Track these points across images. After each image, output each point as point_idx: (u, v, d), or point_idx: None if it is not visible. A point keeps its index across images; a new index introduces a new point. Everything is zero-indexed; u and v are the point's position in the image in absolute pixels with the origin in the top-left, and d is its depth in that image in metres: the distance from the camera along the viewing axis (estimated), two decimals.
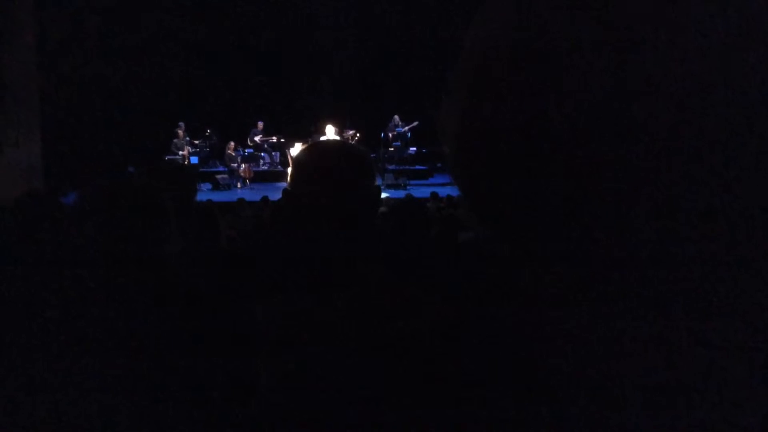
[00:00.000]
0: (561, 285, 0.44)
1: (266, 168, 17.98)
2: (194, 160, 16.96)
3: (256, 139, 17.98)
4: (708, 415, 0.38)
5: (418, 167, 17.64)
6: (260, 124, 18.13)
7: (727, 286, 0.38)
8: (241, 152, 17.46)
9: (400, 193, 13.16)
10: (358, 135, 16.96)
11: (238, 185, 16.77)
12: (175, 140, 17.05)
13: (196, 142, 17.65)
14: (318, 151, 1.33)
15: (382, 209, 6.63)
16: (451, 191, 10.43)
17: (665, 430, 0.39)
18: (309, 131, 16.86)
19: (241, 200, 11.52)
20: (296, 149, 15.54)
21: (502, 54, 0.42)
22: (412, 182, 16.31)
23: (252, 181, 17.21)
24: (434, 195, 11.75)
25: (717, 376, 0.38)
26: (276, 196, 10.19)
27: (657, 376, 0.39)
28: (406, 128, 17.43)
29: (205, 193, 14.46)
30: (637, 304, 0.40)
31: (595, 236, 0.40)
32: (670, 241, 0.38)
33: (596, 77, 0.38)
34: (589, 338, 0.42)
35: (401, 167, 17.04)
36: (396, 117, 17.55)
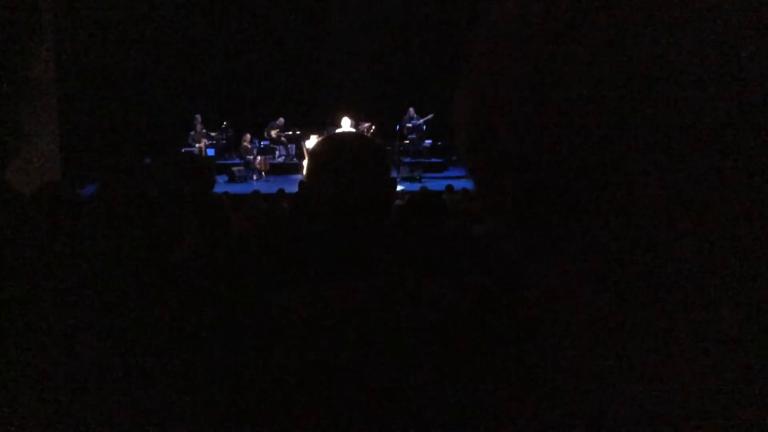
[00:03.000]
0: (574, 277, 0.44)
1: (282, 160, 18.02)
2: (210, 152, 17.04)
3: (273, 133, 18.02)
4: (709, 411, 0.38)
5: (433, 160, 17.60)
6: (281, 120, 18.14)
7: (729, 281, 0.38)
8: (257, 144, 17.50)
9: (415, 186, 13.15)
10: (373, 127, 16.95)
11: (254, 177, 16.82)
12: (192, 132, 17.15)
13: (213, 134, 17.73)
14: (334, 143, 1.34)
15: (398, 202, 6.63)
16: (466, 184, 10.41)
17: (668, 426, 0.39)
18: (324, 123, 16.87)
19: (256, 192, 11.56)
20: (312, 141, 15.57)
21: (514, 47, 0.43)
22: (427, 175, 16.27)
23: (268, 173, 17.25)
24: (449, 188, 11.72)
25: (717, 372, 0.38)
26: (292, 188, 10.23)
27: (668, 371, 0.39)
28: (421, 121, 17.39)
29: (221, 186, 14.54)
30: (636, 311, 0.40)
31: (609, 229, 0.40)
32: (677, 233, 0.38)
33: (604, 70, 0.38)
34: (601, 330, 0.42)
35: (416, 160, 17.01)
36: (411, 109, 17.51)
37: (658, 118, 0.37)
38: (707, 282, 0.38)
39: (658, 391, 0.39)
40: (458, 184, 11.68)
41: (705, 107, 0.36)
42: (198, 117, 17.33)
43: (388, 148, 15.98)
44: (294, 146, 18.01)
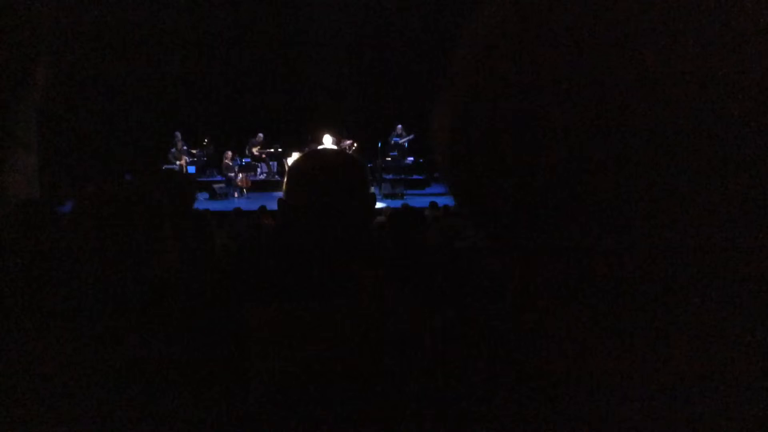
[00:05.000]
0: (555, 291, 0.44)
1: (263, 177, 17.98)
2: (191, 169, 16.97)
3: (254, 150, 17.99)
4: (708, 412, 0.38)
5: (415, 177, 17.66)
6: (260, 136, 18.13)
7: (727, 281, 0.38)
8: (239, 161, 17.46)
9: (397, 203, 13.16)
10: (355, 144, 16.99)
11: (236, 195, 16.76)
12: (173, 149, 17.08)
13: (194, 151, 17.67)
14: (311, 159, 1.33)
15: (380, 218, 6.63)
16: (448, 201, 10.43)
17: (665, 429, 0.39)
18: (306, 140, 16.89)
19: (237, 209, 11.52)
20: (293, 158, 15.55)
21: (493, 59, 0.43)
22: (409, 191, 16.30)
23: (249, 190, 17.19)
24: (433, 204, 11.75)
25: (717, 372, 0.38)
26: (273, 205, 10.20)
27: (656, 378, 0.39)
28: (402, 140, 17.50)
29: (202, 203, 14.46)
30: (634, 312, 0.40)
31: (590, 243, 0.40)
32: (669, 250, 0.38)
33: (592, 76, 0.38)
34: (584, 344, 0.42)
35: (398, 177, 17.05)
36: (399, 126, 17.62)
37: (640, 131, 0.37)
38: (685, 306, 0.39)
39: (653, 396, 0.39)
40: (441, 201, 11.70)
41: (698, 112, 0.36)
42: (178, 134, 17.26)
43: (370, 165, 16.01)
44: (276, 163, 17.99)
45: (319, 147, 15.10)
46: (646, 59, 0.37)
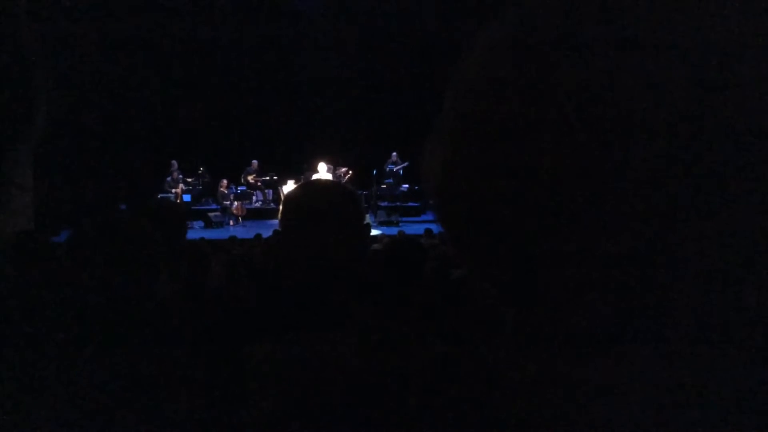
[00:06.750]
0: (547, 325, 0.44)
1: (259, 205, 18.00)
2: (187, 198, 16.99)
3: (249, 178, 18.04)
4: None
5: (410, 204, 17.70)
6: (255, 163, 18.20)
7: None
8: (234, 190, 17.49)
9: (393, 230, 13.17)
10: (350, 172, 17.04)
11: (231, 223, 16.76)
12: (168, 178, 17.12)
13: (189, 180, 17.71)
14: (306, 190, 1.34)
15: (376, 246, 6.61)
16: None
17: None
18: (301, 169, 16.94)
19: (232, 238, 11.50)
20: (289, 186, 15.59)
21: (485, 95, 0.43)
22: (404, 219, 16.31)
23: (245, 218, 17.20)
24: (428, 231, 11.75)
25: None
26: (269, 233, 10.20)
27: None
28: (397, 168, 17.58)
29: (197, 231, 14.45)
30: (624, 349, 0.40)
31: (576, 279, 0.40)
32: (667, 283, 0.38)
33: (572, 122, 0.38)
34: (572, 374, 0.42)
35: (393, 204, 17.08)
36: (394, 154, 17.73)
37: (628, 168, 0.37)
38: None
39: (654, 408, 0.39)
40: (436, 228, 11.68)
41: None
42: (174, 163, 17.32)
43: (365, 192, 16.05)
44: (271, 191, 18.03)
45: (314, 176, 15.14)
46: (635, 105, 0.37)
